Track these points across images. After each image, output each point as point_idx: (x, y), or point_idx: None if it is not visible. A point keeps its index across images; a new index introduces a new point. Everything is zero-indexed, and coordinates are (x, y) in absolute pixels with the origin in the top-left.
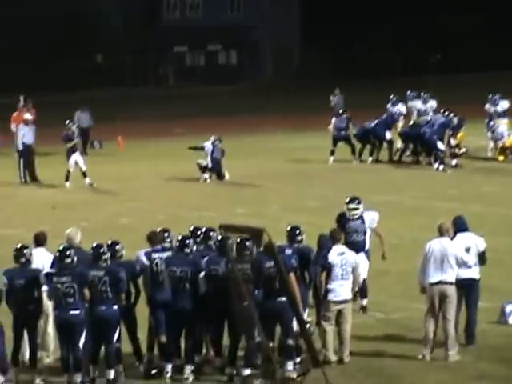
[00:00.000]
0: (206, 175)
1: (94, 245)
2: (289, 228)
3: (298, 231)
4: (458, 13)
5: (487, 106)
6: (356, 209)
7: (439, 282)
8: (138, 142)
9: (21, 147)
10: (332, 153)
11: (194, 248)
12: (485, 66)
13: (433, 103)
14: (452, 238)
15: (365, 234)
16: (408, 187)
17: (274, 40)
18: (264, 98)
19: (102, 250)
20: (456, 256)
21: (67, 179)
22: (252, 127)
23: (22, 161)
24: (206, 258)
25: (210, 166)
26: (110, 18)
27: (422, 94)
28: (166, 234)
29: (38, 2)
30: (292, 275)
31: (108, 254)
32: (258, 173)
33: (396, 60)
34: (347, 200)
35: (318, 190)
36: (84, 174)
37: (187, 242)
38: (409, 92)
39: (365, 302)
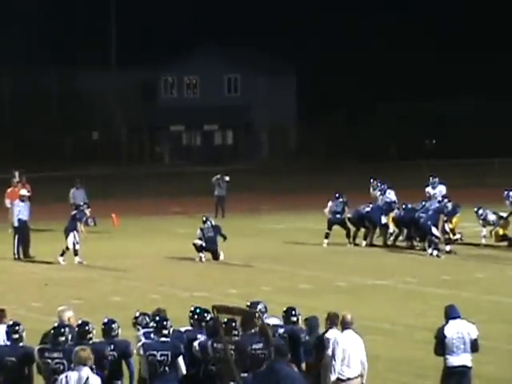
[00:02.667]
0: (201, 254)
1: (80, 322)
2: (285, 309)
3: (293, 312)
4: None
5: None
6: None
7: (359, 376)
8: (132, 219)
9: (16, 223)
10: (327, 235)
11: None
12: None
13: (442, 188)
14: (444, 325)
15: None
16: (401, 272)
17: (270, 121)
18: (259, 178)
19: (87, 328)
20: (360, 348)
21: (62, 255)
22: (246, 208)
23: (17, 237)
24: (197, 342)
25: (204, 245)
26: (108, 95)
27: (431, 178)
28: (148, 319)
29: (34, 77)
30: None
31: (93, 332)
32: (252, 253)
33: (391, 144)
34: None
35: (310, 273)
36: (75, 252)
37: (165, 323)
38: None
39: None
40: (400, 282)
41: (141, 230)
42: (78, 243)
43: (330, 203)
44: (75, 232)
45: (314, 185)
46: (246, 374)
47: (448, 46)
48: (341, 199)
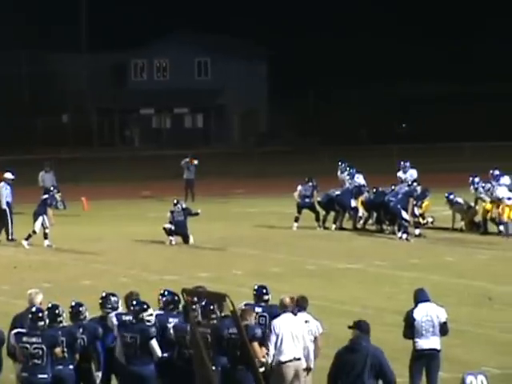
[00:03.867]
0: (172, 238)
1: (50, 305)
2: (256, 287)
3: (264, 290)
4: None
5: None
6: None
7: (294, 359)
8: (102, 203)
9: (5, 206)
10: (296, 219)
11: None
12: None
13: (413, 172)
14: (413, 309)
15: None
16: (371, 255)
17: (241, 104)
18: (229, 162)
19: (57, 311)
20: (302, 332)
21: (27, 238)
22: (217, 191)
23: (9, 219)
24: (172, 325)
25: (173, 229)
26: (77, 78)
27: (402, 163)
28: (115, 299)
29: (4, 60)
30: (256, 344)
31: (63, 315)
32: (223, 237)
33: (361, 128)
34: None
35: (281, 256)
36: (45, 236)
37: (144, 306)
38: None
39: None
40: (370, 266)
41: (111, 214)
42: (48, 227)
43: (299, 187)
44: (44, 216)
45: (285, 168)
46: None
47: (420, 30)
48: (310, 183)
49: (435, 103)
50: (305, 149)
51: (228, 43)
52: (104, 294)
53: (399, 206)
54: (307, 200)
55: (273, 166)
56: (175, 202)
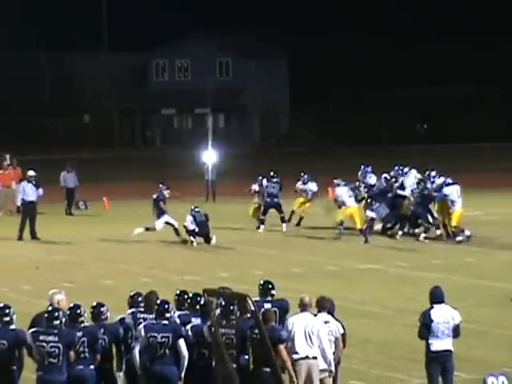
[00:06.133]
0: (193, 239)
1: (71, 305)
2: (261, 282)
3: (270, 285)
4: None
5: None
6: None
7: (306, 357)
8: (123, 203)
9: (19, 203)
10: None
11: (176, 314)
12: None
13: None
14: (430, 310)
15: None
16: (392, 256)
17: (262, 105)
18: (250, 162)
19: (78, 311)
20: (318, 331)
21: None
22: (237, 191)
23: (25, 218)
24: (189, 326)
25: (196, 230)
26: (98, 79)
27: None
28: (140, 298)
29: (25, 61)
30: (282, 347)
31: (85, 315)
32: (243, 237)
33: (383, 129)
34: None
35: (302, 257)
36: (176, 232)
37: (167, 306)
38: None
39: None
40: (391, 266)
41: (132, 214)
42: (174, 222)
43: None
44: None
45: (306, 169)
46: (246, 357)
47: (440, 32)
48: (275, 179)
49: (455, 104)
50: (325, 149)
51: (249, 43)
52: (132, 293)
53: (422, 211)
54: (275, 200)
55: (293, 166)
56: (193, 208)
